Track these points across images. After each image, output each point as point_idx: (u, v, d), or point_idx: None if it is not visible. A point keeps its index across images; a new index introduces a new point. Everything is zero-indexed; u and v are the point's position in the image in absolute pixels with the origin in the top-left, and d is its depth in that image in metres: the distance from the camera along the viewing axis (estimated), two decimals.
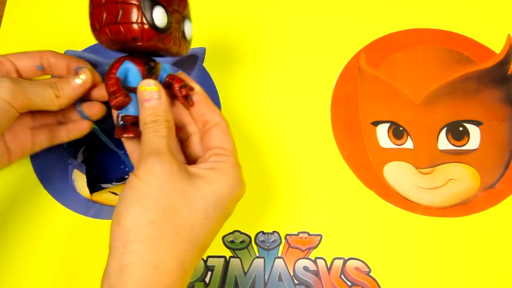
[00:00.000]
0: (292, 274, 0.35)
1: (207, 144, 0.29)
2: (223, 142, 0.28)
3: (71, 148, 0.39)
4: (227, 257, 0.36)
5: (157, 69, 0.29)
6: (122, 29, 0.25)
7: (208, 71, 0.42)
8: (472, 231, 0.37)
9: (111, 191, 0.39)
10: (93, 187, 0.38)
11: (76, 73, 0.31)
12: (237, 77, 0.42)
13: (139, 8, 0.25)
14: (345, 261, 0.36)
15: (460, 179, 0.38)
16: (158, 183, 0.24)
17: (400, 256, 0.36)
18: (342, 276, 0.35)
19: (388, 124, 0.40)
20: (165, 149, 0.25)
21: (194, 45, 0.42)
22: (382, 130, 0.40)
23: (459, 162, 0.39)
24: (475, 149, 0.39)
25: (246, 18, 0.45)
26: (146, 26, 0.25)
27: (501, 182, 0.38)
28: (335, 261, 0.36)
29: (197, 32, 0.44)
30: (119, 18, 0.25)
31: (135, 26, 0.25)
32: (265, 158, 0.39)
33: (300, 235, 0.37)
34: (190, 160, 0.30)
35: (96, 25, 0.26)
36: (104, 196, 0.39)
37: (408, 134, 0.40)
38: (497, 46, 0.42)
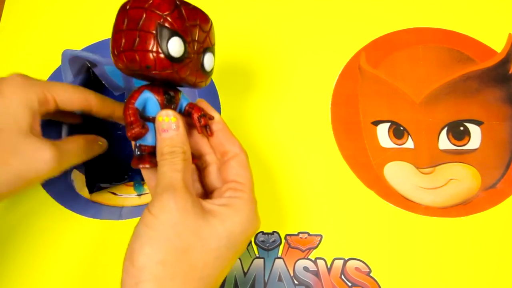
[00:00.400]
0: (292, 274, 0.35)
1: (224, 176, 0.29)
2: (239, 175, 0.28)
3: None
4: None
5: (177, 99, 0.28)
6: (137, 56, 0.25)
7: None
8: (473, 231, 0.36)
9: (111, 191, 0.39)
10: (92, 187, 0.38)
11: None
12: (236, 77, 0.42)
13: (155, 36, 0.25)
14: (345, 261, 0.36)
15: (461, 179, 0.38)
16: (172, 220, 0.24)
17: (400, 256, 0.36)
18: (342, 277, 0.35)
19: (388, 124, 0.40)
20: (180, 184, 0.25)
21: None
22: (383, 130, 0.40)
23: (460, 162, 0.38)
24: (476, 149, 0.39)
25: (245, 18, 0.44)
26: (161, 55, 0.25)
27: (502, 182, 0.38)
28: (335, 261, 0.36)
29: None
30: (135, 45, 0.25)
31: (150, 54, 0.25)
32: (265, 157, 0.39)
33: (300, 235, 0.37)
34: (207, 190, 0.30)
35: (115, 51, 0.26)
36: (103, 196, 0.38)
37: (408, 134, 0.39)
38: (498, 45, 0.42)
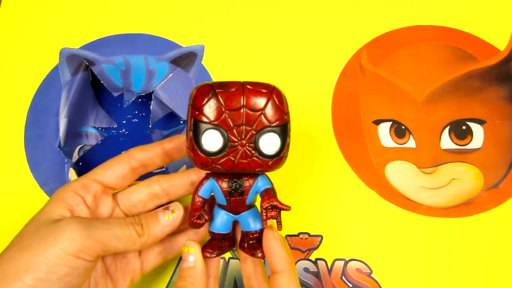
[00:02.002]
0: None
1: None
2: None
3: (68, 147, 0.39)
4: (227, 259, 0.36)
5: (248, 185, 0.27)
6: (188, 153, 0.26)
7: (207, 69, 0.42)
8: (475, 232, 0.36)
9: None
10: None
11: (166, 208, 0.28)
12: (236, 75, 0.42)
13: (192, 133, 0.25)
14: (346, 262, 0.35)
15: (463, 178, 0.38)
16: None
17: (402, 257, 0.36)
18: (343, 278, 0.35)
19: (390, 123, 0.39)
20: None
21: (193, 42, 0.42)
22: (384, 129, 0.39)
23: (462, 162, 0.38)
24: (479, 148, 0.38)
25: (245, 14, 0.44)
26: (197, 151, 0.25)
27: (505, 181, 0.37)
28: (336, 262, 0.35)
29: (196, 29, 0.43)
30: (186, 143, 0.26)
31: (190, 152, 0.25)
32: None
33: (301, 236, 0.36)
34: None
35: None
36: None
37: (410, 133, 0.39)
38: (501, 43, 0.42)
